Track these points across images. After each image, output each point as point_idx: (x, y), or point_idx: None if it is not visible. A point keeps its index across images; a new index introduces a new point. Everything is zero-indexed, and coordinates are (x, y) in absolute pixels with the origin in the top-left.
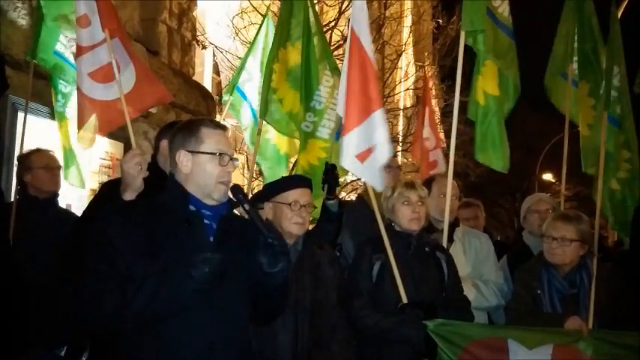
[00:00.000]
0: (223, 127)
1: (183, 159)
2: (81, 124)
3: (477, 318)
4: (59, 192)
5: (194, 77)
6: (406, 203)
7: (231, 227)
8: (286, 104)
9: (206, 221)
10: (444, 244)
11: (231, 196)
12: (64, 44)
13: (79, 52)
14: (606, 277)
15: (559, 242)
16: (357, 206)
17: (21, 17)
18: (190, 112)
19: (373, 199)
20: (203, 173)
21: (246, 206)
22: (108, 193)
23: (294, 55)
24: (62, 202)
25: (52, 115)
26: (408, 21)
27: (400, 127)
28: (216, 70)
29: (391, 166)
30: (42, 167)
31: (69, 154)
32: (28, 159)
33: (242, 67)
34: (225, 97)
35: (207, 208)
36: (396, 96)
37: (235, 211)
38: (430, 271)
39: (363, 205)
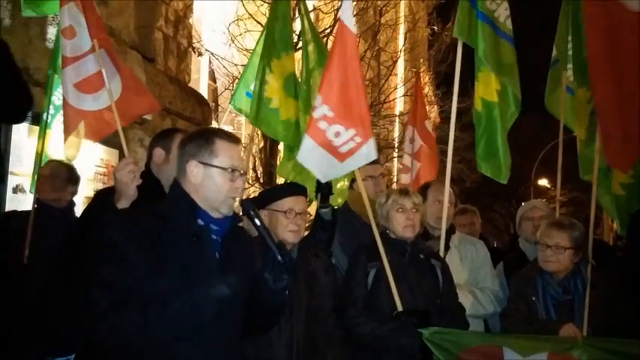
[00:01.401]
0: (237, 141)
1: (194, 169)
2: (67, 134)
3: (474, 325)
4: (74, 201)
5: (190, 84)
6: (400, 210)
7: (235, 242)
8: (284, 113)
9: (213, 236)
10: (441, 251)
11: (242, 211)
12: None
13: (65, 63)
14: (600, 283)
15: (553, 250)
16: (345, 217)
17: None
18: (186, 119)
19: (368, 206)
20: (213, 186)
21: (257, 222)
22: (102, 202)
23: (288, 64)
24: None
25: (33, 120)
26: (403, 28)
27: (396, 134)
28: (212, 77)
29: (373, 176)
30: (46, 176)
31: (38, 162)
32: (40, 171)
33: (246, 75)
34: (231, 106)
35: (214, 222)
36: (392, 102)
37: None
38: (425, 278)
39: (351, 214)
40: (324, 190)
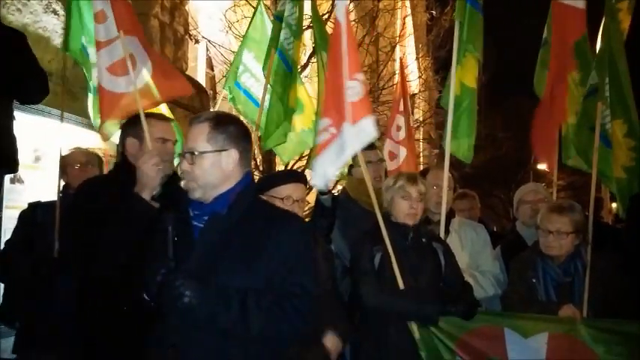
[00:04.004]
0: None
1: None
2: (104, 117)
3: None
4: None
5: (187, 72)
6: (405, 198)
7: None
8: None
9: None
10: (442, 235)
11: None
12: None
13: (98, 47)
14: (600, 265)
15: (555, 235)
16: (344, 204)
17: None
18: (184, 107)
19: (371, 191)
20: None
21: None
22: (95, 193)
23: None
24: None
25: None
26: (401, 13)
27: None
28: (210, 65)
29: (372, 161)
30: (75, 166)
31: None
32: (63, 160)
33: (238, 62)
34: (225, 91)
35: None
36: (390, 88)
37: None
38: (427, 261)
39: (350, 201)
40: None
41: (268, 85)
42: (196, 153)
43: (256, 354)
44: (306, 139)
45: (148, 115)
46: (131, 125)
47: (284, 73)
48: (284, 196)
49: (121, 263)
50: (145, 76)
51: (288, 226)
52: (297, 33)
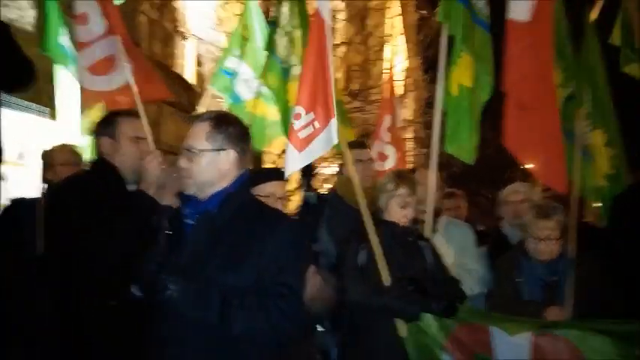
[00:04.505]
0: None
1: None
2: (83, 115)
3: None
4: None
5: (176, 69)
6: (403, 206)
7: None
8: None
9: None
10: (428, 234)
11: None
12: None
13: (79, 47)
14: (584, 264)
15: (546, 242)
16: (332, 202)
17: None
18: (172, 105)
19: (358, 191)
20: None
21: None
22: (84, 190)
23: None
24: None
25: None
26: (391, 12)
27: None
28: (199, 62)
29: (362, 160)
30: (62, 164)
31: None
32: (49, 156)
33: (226, 56)
34: (212, 88)
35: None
36: (380, 87)
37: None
38: (414, 259)
39: (338, 199)
40: (309, 175)
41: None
42: (195, 150)
43: (245, 352)
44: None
45: (122, 114)
46: (104, 124)
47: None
48: (267, 193)
49: (128, 259)
50: (126, 75)
51: (279, 226)
52: (293, 39)
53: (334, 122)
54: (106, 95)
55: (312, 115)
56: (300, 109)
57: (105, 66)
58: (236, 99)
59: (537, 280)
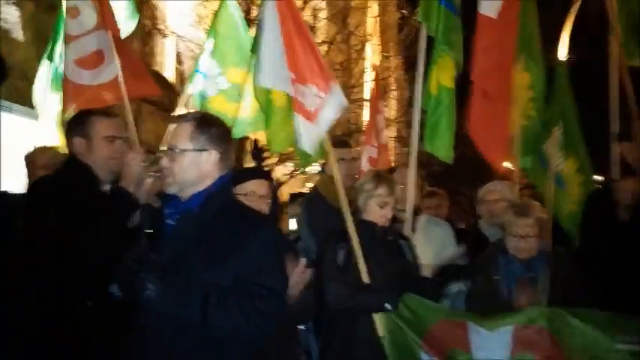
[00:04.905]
0: None
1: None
2: (65, 109)
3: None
4: None
5: (156, 67)
6: (382, 206)
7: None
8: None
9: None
10: (408, 233)
11: None
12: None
13: (68, 40)
14: (559, 259)
15: (526, 240)
16: (314, 201)
17: None
18: (151, 104)
19: (341, 189)
20: None
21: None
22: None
23: None
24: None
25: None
26: (372, 11)
27: (365, 118)
28: (179, 60)
29: (344, 159)
30: (44, 166)
31: None
32: (31, 158)
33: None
34: (188, 89)
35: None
36: (361, 86)
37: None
38: (393, 257)
39: (319, 198)
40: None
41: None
42: (177, 150)
43: (227, 351)
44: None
45: (95, 113)
46: (77, 124)
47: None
48: (248, 191)
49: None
50: (113, 71)
51: (261, 227)
52: None
53: (336, 85)
54: (91, 90)
55: (314, 88)
56: (301, 87)
57: (93, 60)
58: (202, 96)
59: (514, 278)
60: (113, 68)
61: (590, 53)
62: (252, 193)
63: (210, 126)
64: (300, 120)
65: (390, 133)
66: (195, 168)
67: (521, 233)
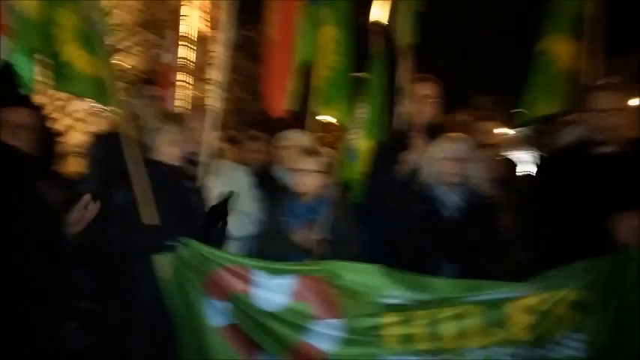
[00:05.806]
0: None
1: None
2: None
3: (234, 246)
4: None
5: None
6: (170, 143)
7: None
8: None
9: None
10: (202, 176)
11: None
12: None
13: None
14: (337, 201)
15: (310, 175)
16: (105, 137)
17: None
18: None
19: (127, 124)
20: None
21: None
22: None
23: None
24: None
25: None
26: None
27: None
28: None
29: (147, 95)
30: None
31: None
32: None
33: None
34: None
35: None
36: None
37: None
38: (177, 198)
39: (112, 136)
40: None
41: None
42: None
43: None
44: None
45: None
46: None
47: None
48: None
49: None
50: None
51: None
52: None
53: None
54: None
55: None
56: None
57: None
58: None
59: (298, 219)
60: None
61: None
62: (5, 122)
63: None
64: None
65: (212, 76)
66: None
67: (304, 167)
